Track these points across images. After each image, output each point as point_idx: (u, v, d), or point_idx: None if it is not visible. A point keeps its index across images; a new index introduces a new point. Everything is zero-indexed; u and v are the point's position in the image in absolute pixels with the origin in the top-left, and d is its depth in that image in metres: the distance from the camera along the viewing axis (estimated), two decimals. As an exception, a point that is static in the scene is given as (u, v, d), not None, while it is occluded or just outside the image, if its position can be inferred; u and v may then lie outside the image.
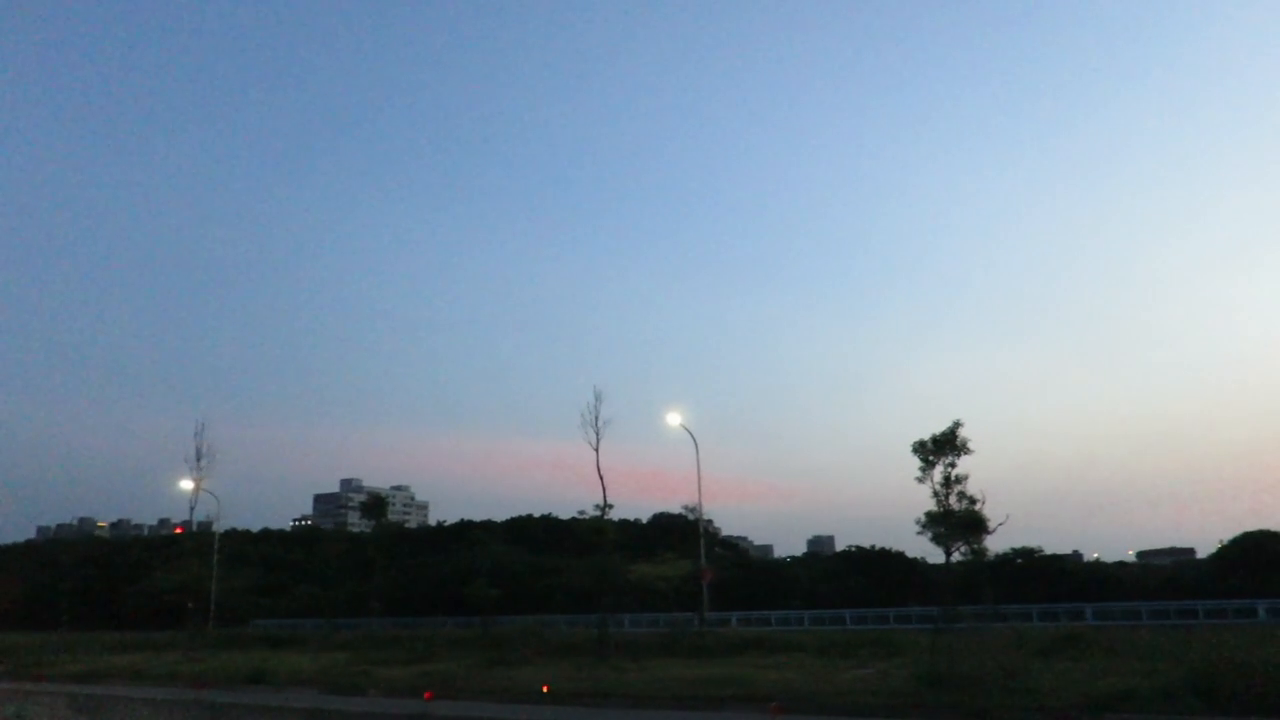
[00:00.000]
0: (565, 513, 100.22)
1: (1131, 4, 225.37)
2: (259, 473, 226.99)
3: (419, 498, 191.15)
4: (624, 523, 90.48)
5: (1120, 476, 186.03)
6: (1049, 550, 65.73)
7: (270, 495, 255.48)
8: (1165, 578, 63.25)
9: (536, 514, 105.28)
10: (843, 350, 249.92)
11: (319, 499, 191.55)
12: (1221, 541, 61.19)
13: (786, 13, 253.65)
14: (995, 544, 48.30)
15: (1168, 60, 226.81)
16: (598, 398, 40.62)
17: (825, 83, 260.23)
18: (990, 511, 44.55)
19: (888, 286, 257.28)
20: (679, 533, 73.72)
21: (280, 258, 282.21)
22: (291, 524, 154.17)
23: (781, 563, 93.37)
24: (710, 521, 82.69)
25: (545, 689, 22.78)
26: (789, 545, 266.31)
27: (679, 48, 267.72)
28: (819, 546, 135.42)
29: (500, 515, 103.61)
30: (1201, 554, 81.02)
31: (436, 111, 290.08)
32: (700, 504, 48.45)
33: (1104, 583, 59.27)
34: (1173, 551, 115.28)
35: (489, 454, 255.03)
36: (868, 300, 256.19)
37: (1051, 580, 57.78)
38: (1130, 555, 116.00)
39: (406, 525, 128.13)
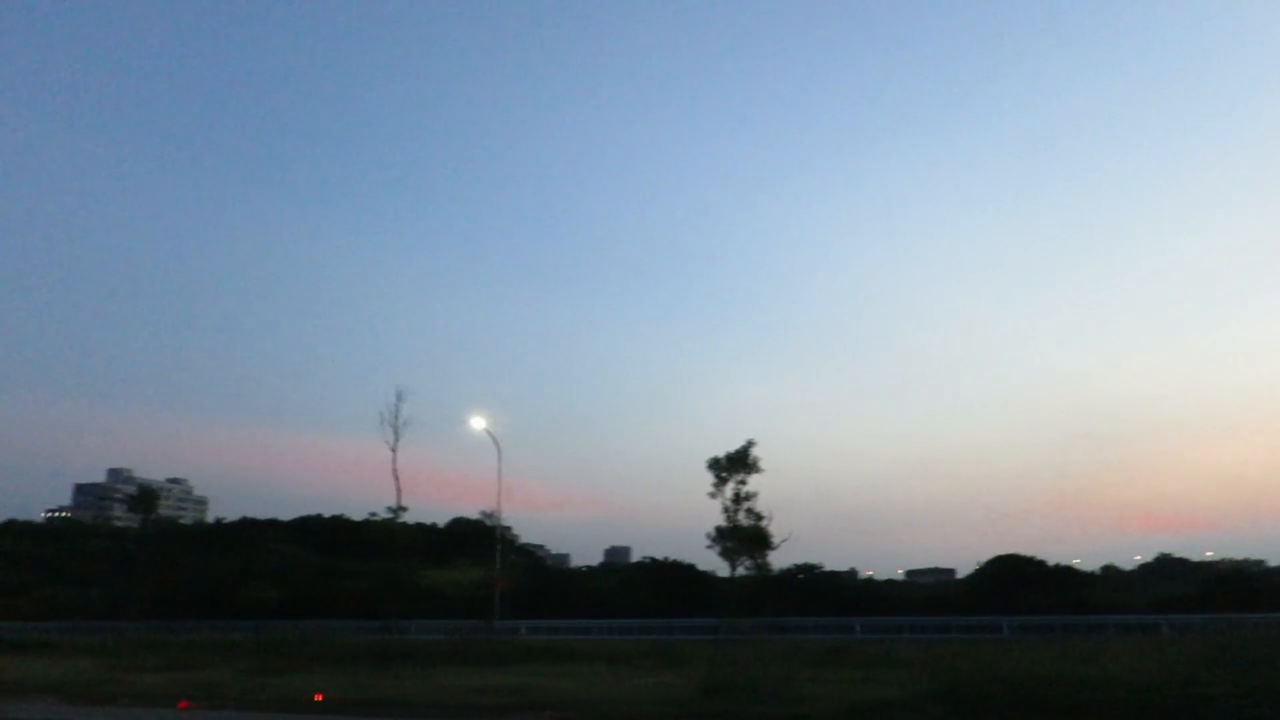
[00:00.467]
0: (358, 514, 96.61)
1: (927, 59, 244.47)
2: (9, 458, 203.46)
3: (197, 492, 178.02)
4: (420, 526, 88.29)
5: (896, 499, 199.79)
6: (829, 567, 69.58)
7: (22, 483, 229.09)
8: (928, 595, 68.22)
9: (327, 514, 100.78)
10: (653, 366, 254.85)
11: (80, 489, 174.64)
12: (978, 563, 66.75)
13: (597, 14, 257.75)
14: (779, 559, 50.15)
15: (960, 101, 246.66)
16: (399, 397, 39.62)
17: (650, 102, 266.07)
18: (776, 528, 46.26)
19: (698, 307, 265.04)
20: (476, 538, 72.74)
21: (44, 215, 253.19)
22: (45, 515, 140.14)
23: (577, 571, 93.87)
24: (509, 528, 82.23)
25: (318, 698, 21.71)
26: (587, 554, 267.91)
27: (491, 40, 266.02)
28: (615, 556, 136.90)
29: (287, 514, 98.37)
30: (961, 574, 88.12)
31: (263, 83, 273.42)
32: (499, 510, 48.19)
33: (875, 598, 63.17)
34: (936, 571, 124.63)
35: (278, 449, 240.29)
36: (679, 319, 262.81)
37: (829, 595, 61.02)
38: (900, 574, 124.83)
39: (181, 521, 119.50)
